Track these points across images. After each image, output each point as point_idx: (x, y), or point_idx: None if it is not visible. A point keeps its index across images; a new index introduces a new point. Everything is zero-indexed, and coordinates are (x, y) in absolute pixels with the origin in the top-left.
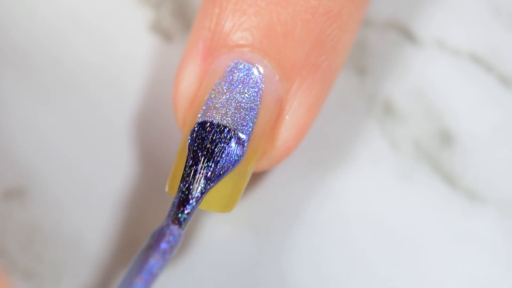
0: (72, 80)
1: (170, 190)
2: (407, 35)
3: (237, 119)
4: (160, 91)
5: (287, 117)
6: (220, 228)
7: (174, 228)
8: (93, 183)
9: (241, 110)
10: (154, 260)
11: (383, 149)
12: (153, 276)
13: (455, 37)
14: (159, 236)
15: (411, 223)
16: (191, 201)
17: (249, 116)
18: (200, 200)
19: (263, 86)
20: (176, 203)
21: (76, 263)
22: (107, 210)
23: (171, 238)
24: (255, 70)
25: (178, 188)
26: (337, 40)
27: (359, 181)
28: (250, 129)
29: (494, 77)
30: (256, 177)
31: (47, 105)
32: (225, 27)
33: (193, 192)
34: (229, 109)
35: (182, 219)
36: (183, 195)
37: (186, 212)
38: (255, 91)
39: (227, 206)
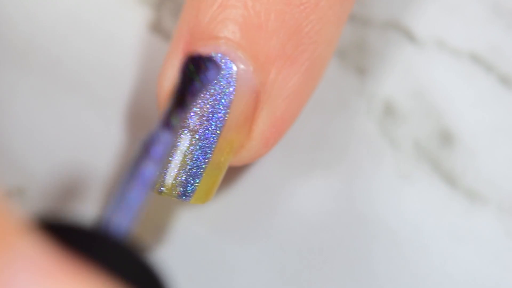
0: (72, 80)
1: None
2: (407, 35)
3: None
4: None
5: (264, 108)
6: (219, 228)
7: (166, 133)
8: (93, 183)
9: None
10: (147, 167)
11: (383, 149)
12: (148, 185)
13: (455, 37)
14: (150, 142)
15: (411, 223)
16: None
17: (221, 106)
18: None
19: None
20: (170, 108)
21: None
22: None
23: (162, 142)
24: (229, 62)
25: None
26: (315, 32)
27: (359, 181)
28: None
29: (494, 77)
30: (256, 176)
31: (47, 105)
32: (202, 20)
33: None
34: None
35: (174, 123)
36: (176, 99)
37: (178, 116)
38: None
39: (202, 198)
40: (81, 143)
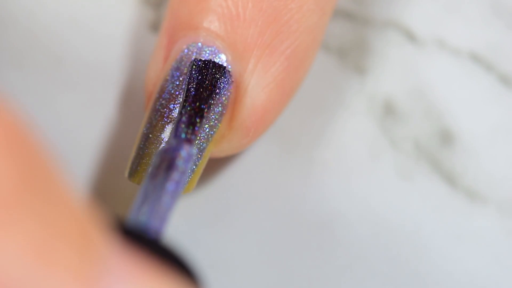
0: (73, 80)
1: (132, 177)
2: (407, 34)
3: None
4: None
5: (243, 98)
6: (217, 227)
7: (187, 146)
8: (93, 183)
9: None
10: (174, 180)
11: (383, 149)
12: (176, 196)
13: (455, 37)
14: (174, 153)
15: (411, 223)
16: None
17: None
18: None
19: None
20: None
21: None
22: (107, 210)
23: (185, 155)
24: (207, 50)
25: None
26: (295, 20)
27: (359, 181)
28: None
29: (494, 77)
30: (255, 176)
31: (47, 103)
32: (182, 12)
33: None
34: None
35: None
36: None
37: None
38: None
39: (186, 189)
40: (81, 143)
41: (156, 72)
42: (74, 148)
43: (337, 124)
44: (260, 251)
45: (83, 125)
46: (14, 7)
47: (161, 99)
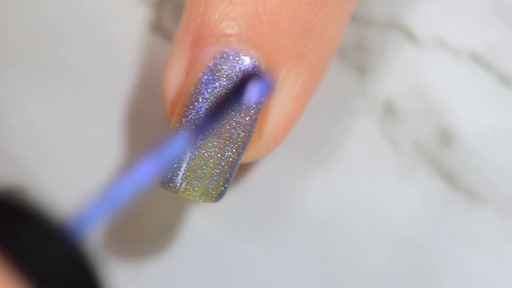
0: (72, 79)
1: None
2: (407, 34)
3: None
4: (160, 90)
5: (274, 107)
6: (219, 227)
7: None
8: (93, 182)
9: None
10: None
11: (383, 149)
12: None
13: (455, 37)
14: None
15: (411, 223)
16: None
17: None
18: None
19: None
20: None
21: None
22: None
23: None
24: (240, 59)
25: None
26: (323, 29)
27: (359, 181)
28: None
29: (494, 77)
30: (256, 176)
31: (47, 103)
32: (211, 17)
33: None
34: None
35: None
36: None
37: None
38: None
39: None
40: (81, 143)
41: (179, 78)
42: (74, 148)
43: (337, 124)
44: (260, 250)
45: (83, 125)
46: (14, 7)
47: (192, 109)
